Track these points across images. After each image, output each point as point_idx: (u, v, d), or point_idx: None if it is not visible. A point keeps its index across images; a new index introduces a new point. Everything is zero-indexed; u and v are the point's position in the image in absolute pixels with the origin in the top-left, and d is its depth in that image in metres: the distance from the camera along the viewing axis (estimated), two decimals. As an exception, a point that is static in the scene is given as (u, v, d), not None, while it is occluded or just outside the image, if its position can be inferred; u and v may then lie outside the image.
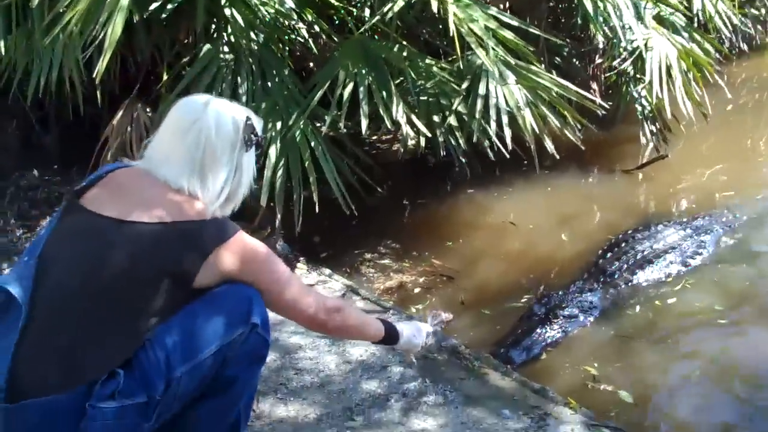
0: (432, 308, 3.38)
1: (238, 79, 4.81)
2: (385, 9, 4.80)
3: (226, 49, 4.90)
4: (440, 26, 5.52)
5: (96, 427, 2.15)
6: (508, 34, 5.08)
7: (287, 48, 5.17)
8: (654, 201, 6.12)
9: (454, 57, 5.07)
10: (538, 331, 4.25)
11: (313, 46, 5.34)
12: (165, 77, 5.06)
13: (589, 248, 5.26)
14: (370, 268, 5.08)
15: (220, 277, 2.34)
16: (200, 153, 2.37)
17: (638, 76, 6.32)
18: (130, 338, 2.22)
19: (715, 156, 6.93)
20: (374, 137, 5.44)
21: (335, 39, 5.31)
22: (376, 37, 5.47)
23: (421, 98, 5.09)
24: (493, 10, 5.20)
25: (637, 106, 6.43)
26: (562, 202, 6.02)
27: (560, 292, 4.58)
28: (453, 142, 5.10)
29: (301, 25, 5.22)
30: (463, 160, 5.39)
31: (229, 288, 2.36)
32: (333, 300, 2.91)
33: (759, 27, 9.07)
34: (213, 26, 5.10)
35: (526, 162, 5.71)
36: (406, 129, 4.88)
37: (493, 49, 4.99)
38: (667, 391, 3.84)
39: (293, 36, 5.22)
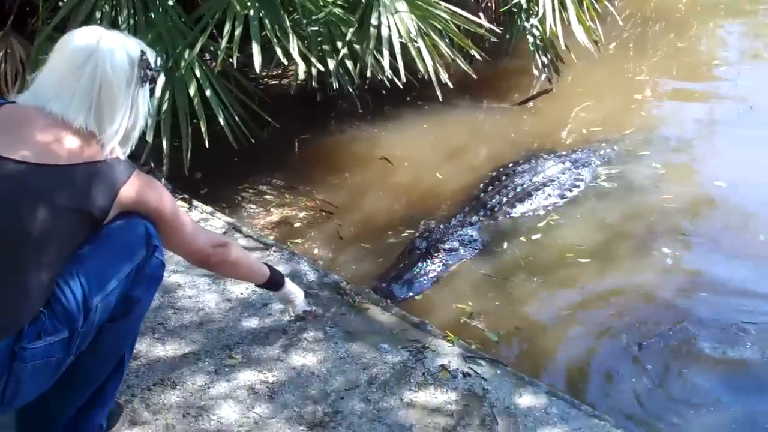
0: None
1: (117, 9, 4.61)
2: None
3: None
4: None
5: (26, 369, 2.19)
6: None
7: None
8: (539, 134, 6.15)
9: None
10: (420, 265, 4.29)
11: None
12: (41, 9, 4.82)
13: (473, 182, 5.34)
14: (252, 204, 5.04)
15: (122, 211, 2.34)
16: (96, 90, 2.31)
17: (530, 7, 6.33)
18: (48, 280, 2.21)
19: (599, 90, 7.06)
20: (264, 71, 5.27)
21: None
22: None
23: (313, 29, 5.00)
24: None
25: (528, 37, 6.43)
26: (450, 135, 6.05)
27: (441, 226, 4.63)
28: (345, 75, 5.06)
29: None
30: (355, 93, 5.34)
31: (127, 217, 2.36)
32: (219, 236, 3.01)
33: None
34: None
35: (415, 95, 5.70)
36: (300, 63, 4.77)
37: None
38: (535, 326, 3.97)
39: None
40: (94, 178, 2.26)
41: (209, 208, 4.53)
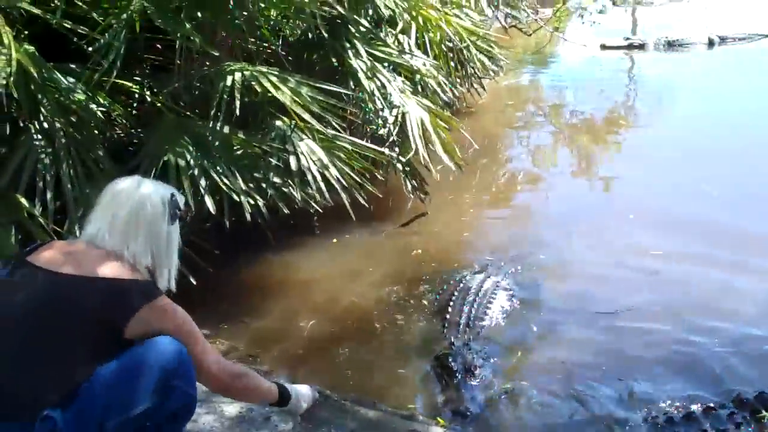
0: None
1: (57, 163, 4.86)
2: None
3: (40, 137, 4.92)
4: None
5: None
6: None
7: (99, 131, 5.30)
8: (424, 254, 6.82)
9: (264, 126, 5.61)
10: (473, 383, 4.65)
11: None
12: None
13: (380, 297, 5.92)
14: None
15: (147, 331, 2.67)
16: (134, 226, 2.77)
17: (399, 138, 7.09)
18: (64, 379, 2.50)
19: (461, 205, 8.00)
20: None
21: (130, 124, 5.63)
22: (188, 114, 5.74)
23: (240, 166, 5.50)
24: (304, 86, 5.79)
25: (397, 165, 7.16)
26: (352, 259, 6.62)
27: (454, 348, 5.03)
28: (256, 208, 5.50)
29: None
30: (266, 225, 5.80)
31: (159, 343, 2.67)
32: (237, 365, 3.32)
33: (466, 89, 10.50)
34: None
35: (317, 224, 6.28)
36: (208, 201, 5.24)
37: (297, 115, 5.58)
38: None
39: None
40: (120, 291, 2.63)
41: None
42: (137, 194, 2.81)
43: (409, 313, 5.71)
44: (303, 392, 3.62)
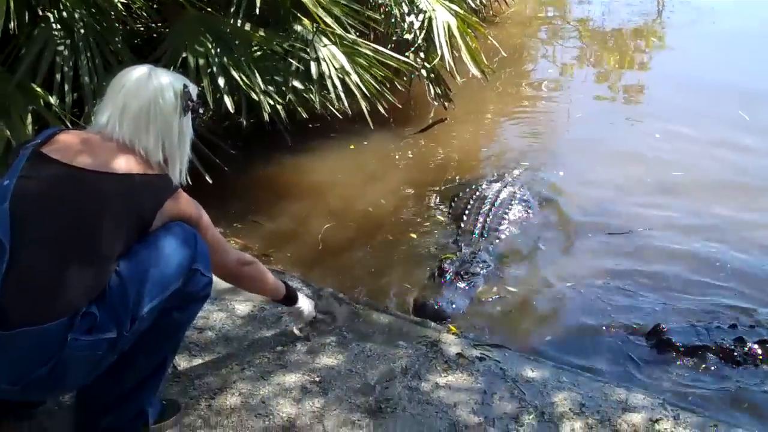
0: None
1: (76, 54, 4.80)
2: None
3: (59, 26, 4.83)
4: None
5: (76, 357, 2.48)
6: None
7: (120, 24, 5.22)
8: (443, 161, 6.84)
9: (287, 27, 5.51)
10: (459, 285, 4.70)
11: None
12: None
13: (398, 203, 5.91)
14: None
15: (167, 222, 2.68)
16: (148, 118, 2.70)
17: (424, 44, 6.91)
18: (100, 275, 2.51)
19: (483, 114, 7.90)
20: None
21: (151, 17, 5.58)
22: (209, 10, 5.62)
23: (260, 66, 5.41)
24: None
25: (422, 71, 7.03)
26: (367, 162, 6.59)
27: (457, 254, 5.06)
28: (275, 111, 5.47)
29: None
30: (286, 128, 5.75)
31: (177, 229, 2.69)
32: (247, 255, 3.31)
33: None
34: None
35: (337, 129, 6.22)
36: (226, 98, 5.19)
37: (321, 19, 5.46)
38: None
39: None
40: (145, 186, 2.62)
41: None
42: (150, 85, 2.71)
43: (425, 219, 5.73)
44: (307, 301, 3.66)
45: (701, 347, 4.13)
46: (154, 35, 5.70)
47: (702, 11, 11.55)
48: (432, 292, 4.62)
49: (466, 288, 4.70)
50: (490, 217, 5.50)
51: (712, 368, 4.07)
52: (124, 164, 2.60)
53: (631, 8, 12.23)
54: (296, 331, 3.75)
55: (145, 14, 5.62)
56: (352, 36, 5.89)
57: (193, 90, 2.87)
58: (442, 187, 6.21)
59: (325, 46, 5.71)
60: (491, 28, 9.81)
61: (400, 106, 6.57)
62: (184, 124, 2.80)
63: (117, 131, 2.66)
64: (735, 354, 4.10)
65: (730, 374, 4.04)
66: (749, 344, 4.13)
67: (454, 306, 4.50)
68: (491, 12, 10.85)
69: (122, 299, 2.53)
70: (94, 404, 2.85)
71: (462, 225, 5.48)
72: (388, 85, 6.19)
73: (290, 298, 3.47)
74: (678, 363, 4.09)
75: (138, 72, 2.76)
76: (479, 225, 5.41)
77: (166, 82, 2.75)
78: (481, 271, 4.87)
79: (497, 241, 5.33)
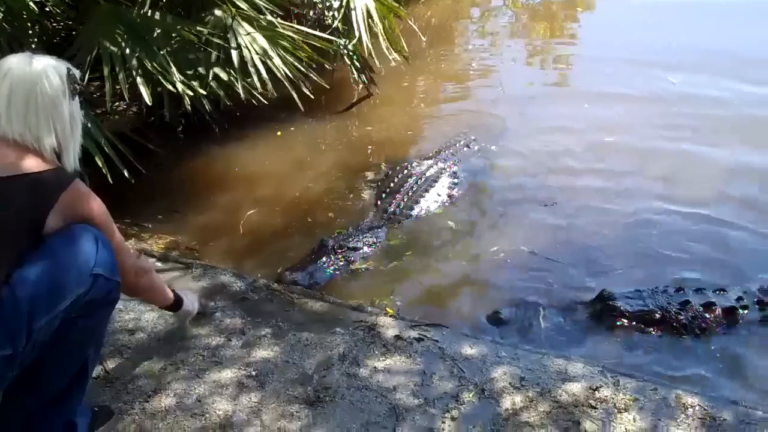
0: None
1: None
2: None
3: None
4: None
5: None
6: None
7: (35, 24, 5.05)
8: (373, 137, 6.81)
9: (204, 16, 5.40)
10: (324, 259, 4.71)
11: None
12: None
13: (325, 187, 5.85)
14: (142, 232, 5.13)
15: (64, 220, 2.53)
16: (34, 107, 2.57)
17: (345, 27, 6.83)
18: None
19: (415, 93, 7.82)
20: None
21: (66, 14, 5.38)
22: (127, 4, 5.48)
23: (179, 57, 5.30)
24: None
25: (344, 55, 6.95)
26: (296, 148, 6.51)
27: (350, 229, 5.08)
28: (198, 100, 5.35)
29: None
30: (213, 117, 5.64)
31: (76, 233, 2.54)
32: (144, 261, 3.15)
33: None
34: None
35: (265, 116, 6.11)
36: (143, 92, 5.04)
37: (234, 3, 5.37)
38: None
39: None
40: (34, 186, 2.48)
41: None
42: (32, 72, 2.58)
43: (352, 201, 5.69)
44: (191, 298, 3.59)
45: (647, 311, 4.16)
46: (73, 32, 5.51)
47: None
48: (300, 263, 4.68)
49: (334, 263, 4.73)
50: (409, 194, 5.50)
51: (658, 332, 4.10)
52: (8, 165, 2.47)
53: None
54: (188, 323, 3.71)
55: (58, 11, 5.42)
56: (269, 18, 5.75)
57: (77, 72, 2.75)
58: (373, 167, 6.18)
59: (247, 32, 5.58)
60: (420, 7, 9.77)
61: (328, 87, 6.47)
62: (74, 108, 2.69)
63: (4, 125, 2.54)
64: (681, 317, 4.12)
65: (675, 338, 4.08)
66: (696, 307, 4.16)
67: (310, 278, 4.53)
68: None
69: (15, 313, 2.37)
70: (14, 422, 2.69)
71: (379, 203, 5.49)
72: (314, 66, 6.09)
73: (176, 304, 3.39)
74: (621, 329, 4.11)
75: (16, 59, 2.63)
76: (395, 203, 5.42)
77: (48, 66, 2.64)
78: (363, 247, 4.88)
79: (410, 218, 5.34)
